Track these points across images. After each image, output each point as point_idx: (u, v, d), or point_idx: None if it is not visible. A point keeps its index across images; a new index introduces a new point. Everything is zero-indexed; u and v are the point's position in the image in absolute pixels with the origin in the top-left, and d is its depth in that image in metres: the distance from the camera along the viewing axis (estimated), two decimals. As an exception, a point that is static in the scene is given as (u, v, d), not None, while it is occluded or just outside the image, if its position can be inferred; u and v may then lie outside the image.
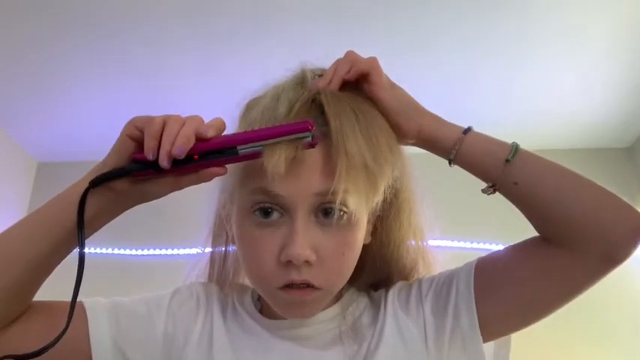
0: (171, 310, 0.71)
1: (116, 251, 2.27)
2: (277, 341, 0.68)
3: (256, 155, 0.58)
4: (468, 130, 0.67)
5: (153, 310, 0.70)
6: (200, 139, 0.57)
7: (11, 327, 0.62)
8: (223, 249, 0.75)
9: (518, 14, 1.74)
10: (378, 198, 0.64)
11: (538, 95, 2.08)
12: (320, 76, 0.67)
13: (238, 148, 0.57)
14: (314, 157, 0.59)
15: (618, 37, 1.82)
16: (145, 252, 2.30)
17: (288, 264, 0.60)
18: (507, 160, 0.64)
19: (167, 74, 2.02)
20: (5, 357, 0.55)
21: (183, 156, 0.55)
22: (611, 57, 1.91)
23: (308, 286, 0.61)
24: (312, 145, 0.58)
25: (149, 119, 0.58)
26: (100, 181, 0.59)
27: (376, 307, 0.72)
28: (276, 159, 0.56)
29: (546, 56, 1.91)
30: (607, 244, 0.60)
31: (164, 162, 0.56)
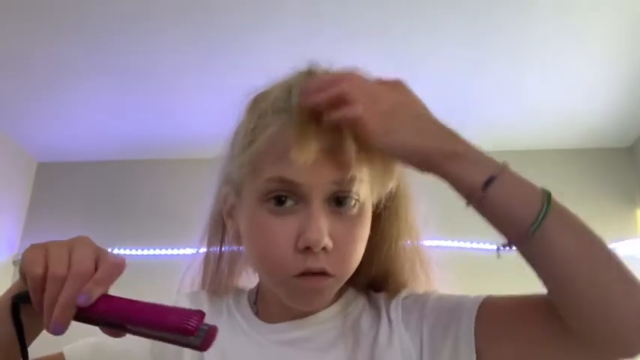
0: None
1: (116, 251, 2.27)
2: (274, 348, 0.68)
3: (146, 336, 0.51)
4: (489, 183, 0.55)
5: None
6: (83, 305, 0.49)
7: None
8: (218, 249, 0.75)
9: (518, 15, 1.74)
10: (392, 185, 0.65)
11: (538, 95, 2.08)
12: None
13: (128, 326, 0.51)
14: (331, 144, 0.59)
15: (618, 37, 1.82)
16: (146, 252, 2.30)
17: (306, 251, 0.60)
18: (526, 236, 0.54)
19: (166, 74, 2.02)
20: None
21: (60, 332, 0.49)
22: (611, 57, 1.91)
23: (323, 273, 0.61)
24: (200, 349, 0.50)
25: (31, 265, 0.50)
26: (18, 301, 0.53)
27: (375, 310, 0.71)
28: (306, 156, 0.56)
29: (546, 56, 1.91)
30: (613, 345, 0.55)
31: (47, 330, 0.50)
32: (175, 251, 2.26)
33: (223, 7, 1.73)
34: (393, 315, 0.69)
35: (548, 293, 0.58)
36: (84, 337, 0.71)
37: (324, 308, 0.69)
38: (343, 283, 0.67)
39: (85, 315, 0.50)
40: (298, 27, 1.79)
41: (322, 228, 0.59)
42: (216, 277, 0.75)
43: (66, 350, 0.67)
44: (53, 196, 2.47)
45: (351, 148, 0.59)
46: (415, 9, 1.72)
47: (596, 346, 0.56)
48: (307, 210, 0.60)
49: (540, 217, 0.53)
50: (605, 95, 2.09)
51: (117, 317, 0.50)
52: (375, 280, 0.74)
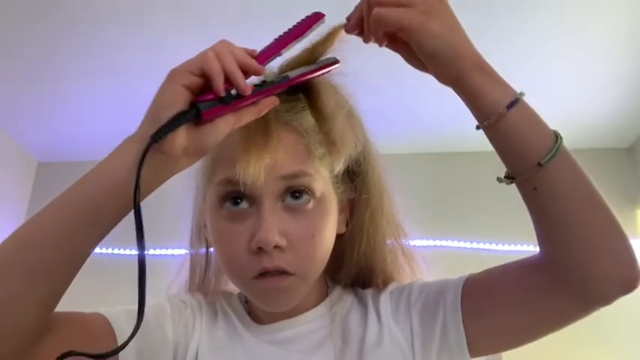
0: (174, 319, 0.70)
1: (116, 251, 2.27)
2: (263, 347, 0.68)
3: (308, 74, 0.60)
4: (514, 103, 0.56)
5: (161, 318, 0.69)
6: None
7: (41, 342, 0.54)
8: (204, 257, 0.75)
9: (517, 14, 1.74)
10: (330, 179, 0.66)
11: (538, 95, 2.07)
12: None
13: (289, 73, 0.59)
14: (277, 141, 0.60)
15: (618, 37, 1.82)
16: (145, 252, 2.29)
17: (260, 251, 0.60)
18: (539, 164, 0.55)
19: (165, 75, 2.02)
20: (69, 354, 0.49)
21: (258, 82, 0.56)
22: (611, 57, 1.91)
23: (282, 272, 0.61)
24: (335, 62, 0.63)
25: (200, 59, 0.54)
26: (165, 131, 0.51)
27: (363, 306, 0.71)
28: (251, 171, 0.57)
29: (546, 56, 1.91)
30: (597, 283, 0.57)
31: (246, 89, 0.53)
32: (175, 251, 2.26)
33: (224, 5, 1.73)
34: (382, 311, 0.69)
35: (542, 233, 0.60)
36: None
37: (310, 309, 0.70)
38: (310, 280, 0.66)
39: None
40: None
41: (271, 227, 0.60)
42: (203, 285, 0.75)
43: (104, 312, 0.64)
44: (53, 196, 2.45)
45: (297, 143, 0.61)
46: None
47: (583, 290, 0.57)
48: (258, 210, 0.61)
49: (556, 147, 0.55)
50: (605, 95, 2.09)
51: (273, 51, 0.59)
52: (360, 276, 0.74)
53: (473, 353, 0.65)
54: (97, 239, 0.54)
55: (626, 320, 1.99)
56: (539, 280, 0.60)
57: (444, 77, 0.59)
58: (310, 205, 0.63)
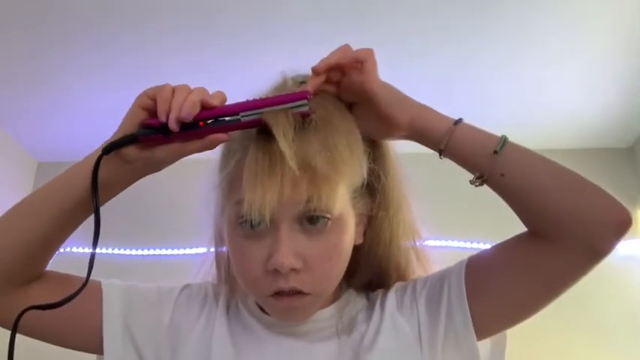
0: (178, 303, 0.74)
1: (116, 251, 2.27)
2: (272, 336, 0.70)
3: (256, 122, 0.59)
4: (458, 122, 0.68)
5: (163, 300, 0.74)
6: (205, 107, 0.61)
7: (29, 287, 0.67)
8: (226, 255, 0.76)
9: (517, 14, 1.74)
10: (347, 197, 0.66)
11: (538, 95, 2.08)
12: (302, 82, 0.67)
13: (241, 114, 0.60)
14: (282, 176, 0.59)
15: (619, 37, 1.82)
16: (145, 252, 2.29)
17: (275, 272, 0.61)
18: (495, 152, 0.65)
19: (166, 75, 2.01)
20: (29, 309, 0.58)
21: (190, 119, 0.59)
22: (611, 57, 1.91)
23: (297, 292, 0.62)
24: (307, 114, 0.60)
25: (160, 87, 0.64)
26: (111, 148, 0.62)
27: (371, 307, 0.73)
28: (258, 206, 0.57)
29: (546, 56, 1.91)
30: (588, 237, 0.61)
31: (173, 124, 0.59)
32: (175, 251, 2.26)
33: (226, 8, 1.73)
34: (387, 306, 0.71)
35: (525, 218, 0.66)
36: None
37: (320, 309, 0.71)
38: (324, 297, 0.68)
39: (202, 115, 0.61)
40: (302, 28, 1.79)
41: (287, 251, 0.60)
42: (230, 278, 0.76)
43: (103, 280, 0.74)
44: (53, 196, 2.46)
45: (309, 166, 0.59)
46: (415, 8, 1.72)
47: (573, 247, 0.61)
48: (275, 233, 0.61)
49: (502, 139, 0.66)
50: (605, 95, 2.08)
51: (234, 109, 0.61)
52: (374, 279, 0.76)
53: (479, 333, 0.66)
54: (74, 213, 0.67)
55: (624, 317, 1.99)
56: (535, 244, 0.64)
57: (401, 121, 0.68)
58: (328, 226, 0.63)
